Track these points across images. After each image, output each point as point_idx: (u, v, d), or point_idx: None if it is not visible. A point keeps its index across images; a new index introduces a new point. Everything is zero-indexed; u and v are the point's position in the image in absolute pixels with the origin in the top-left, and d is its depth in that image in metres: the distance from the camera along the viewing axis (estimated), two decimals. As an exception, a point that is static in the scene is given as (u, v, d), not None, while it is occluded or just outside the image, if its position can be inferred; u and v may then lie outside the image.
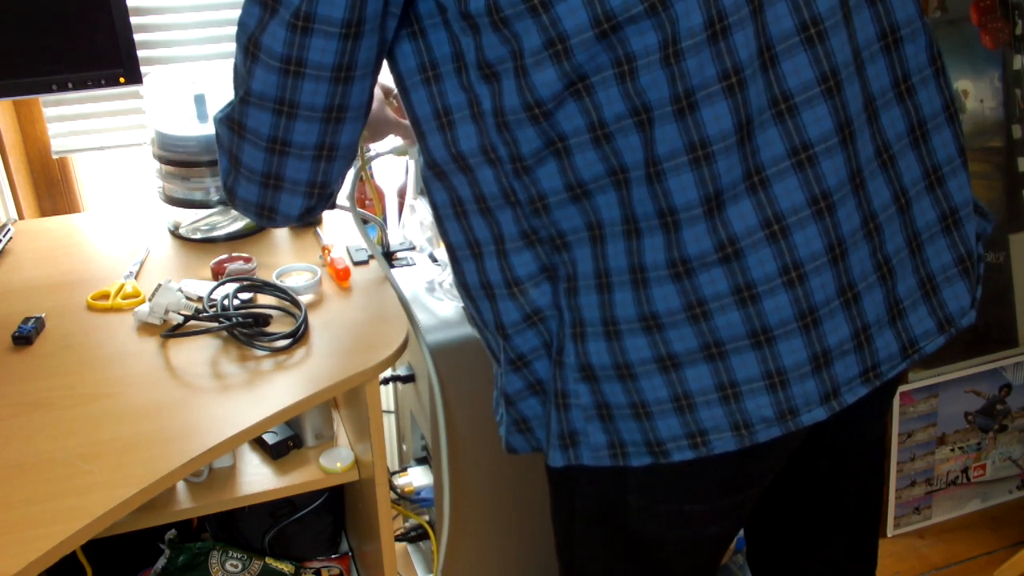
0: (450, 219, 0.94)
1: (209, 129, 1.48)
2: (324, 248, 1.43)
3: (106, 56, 1.40)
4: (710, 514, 1.02)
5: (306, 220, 1.00)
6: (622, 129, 0.82)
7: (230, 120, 0.93)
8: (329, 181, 0.95)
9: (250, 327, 1.23)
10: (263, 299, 1.31)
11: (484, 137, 0.86)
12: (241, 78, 0.90)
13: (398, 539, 1.61)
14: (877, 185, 0.90)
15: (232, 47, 1.62)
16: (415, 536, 1.64)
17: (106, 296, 1.33)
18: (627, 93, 0.81)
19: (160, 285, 1.28)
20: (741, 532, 1.31)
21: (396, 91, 1.32)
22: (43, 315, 1.28)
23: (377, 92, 1.27)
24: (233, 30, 1.61)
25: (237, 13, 1.66)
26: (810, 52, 0.84)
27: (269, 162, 0.92)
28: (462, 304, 1.40)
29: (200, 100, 1.49)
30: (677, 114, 0.81)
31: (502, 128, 0.84)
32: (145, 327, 1.27)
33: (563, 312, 0.91)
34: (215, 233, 1.52)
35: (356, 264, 1.43)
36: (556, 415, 0.94)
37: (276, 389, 1.14)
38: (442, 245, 1.45)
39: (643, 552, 1.05)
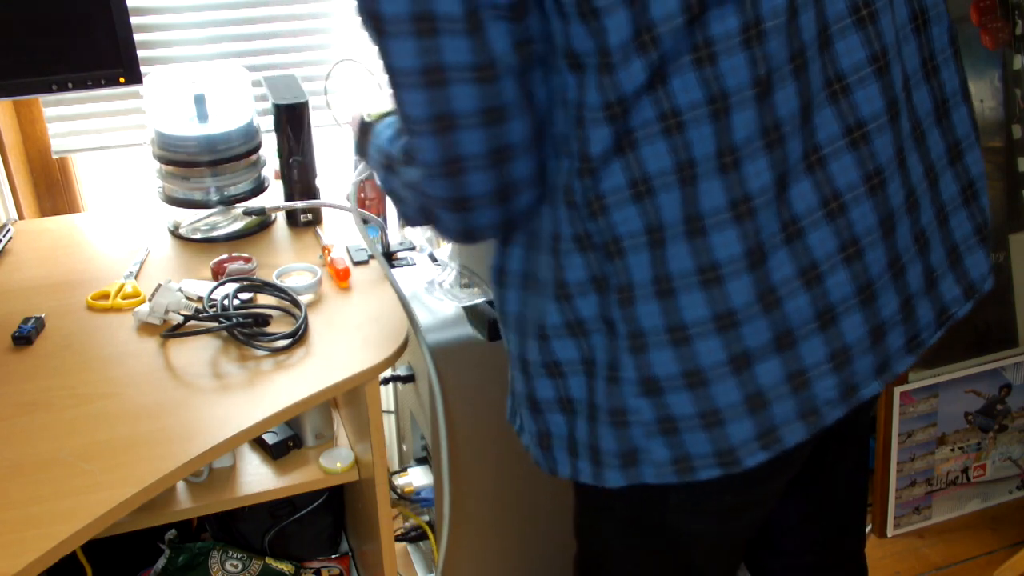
0: None
1: (209, 129, 1.48)
2: (324, 248, 1.43)
3: (106, 56, 1.40)
4: (747, 503, 1.02)
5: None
6: (696, 119, 0.80)
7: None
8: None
9: (250, 327, 1.23)
10: (263, 299, 1.31)
11: (565, 126, 0.84)
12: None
13: (398, 539, 1.61)
14: (913, 161, 0.92)
15: (231, 47, 1.62)
16: (415, 536, 1.64)
17: (106, 296, 1.33)
18: (705, 79, 0.79)
19: (160, 285, 1.28)
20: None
21: None
22: (43, 315, 1.28)
23: None
24: (232, 30, 1.61)
25: (237, 13, 1.67)
26: (861, 33, 0.85)
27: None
28: (462, 304, 1.41)
29: (200, 100, 1.49)
30: (756, 98, 0.80)
31: (579, 123, 0.82)
32: (145, 327, 1.27)
33: (616, 324, 0.88)
34: (215, 233, 1.52)
35: (356, 264, 1.43)
36: (613, 433, 0.91)
37: (276, 389, 1.14)
38: (442, 245, 1.46)
39: (677, 550, 1.04)
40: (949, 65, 0.96)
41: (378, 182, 1.04)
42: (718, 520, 1.02)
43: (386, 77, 0.83)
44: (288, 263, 1.41)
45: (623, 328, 0.88)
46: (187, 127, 1.49)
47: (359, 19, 0.81)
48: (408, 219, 1.00)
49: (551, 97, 0.84)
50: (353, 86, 1.64)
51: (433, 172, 0.85)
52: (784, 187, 0.84)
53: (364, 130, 1.13)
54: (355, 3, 0.81)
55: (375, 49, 0.82)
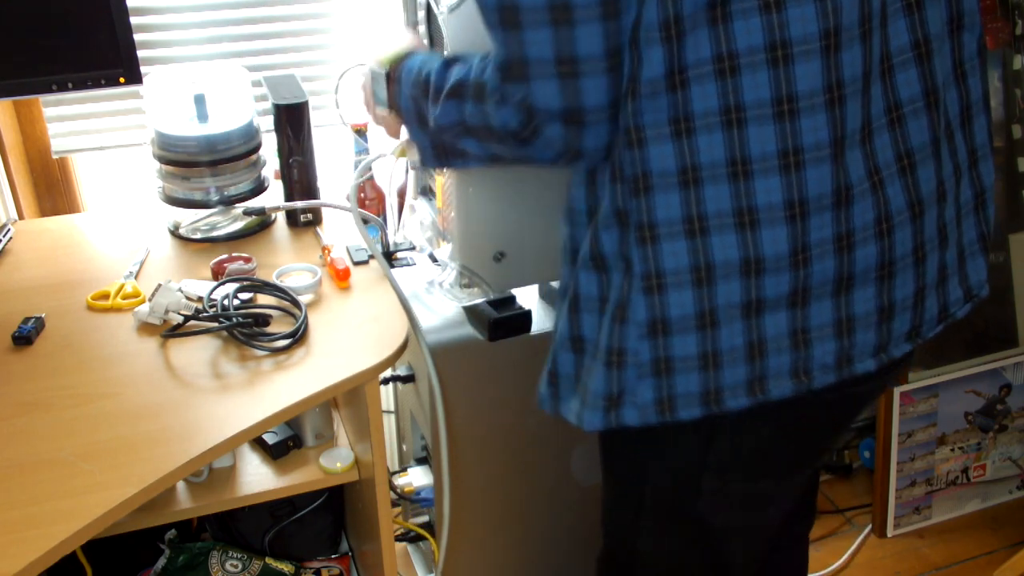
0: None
1: (209, 129, 1.48)
2: (324, 248, 1.43)
3: (106, 56, 1.40)
4: (776, 496, 1.04)
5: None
6: (753, 64, 0.80)
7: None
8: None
9: (250, 327, 1.23)
10: (263, 299, 1.31)
11: (611, 40, 0.83)
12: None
13: (398, 539, 1.61)
14: (946, 155, 0.93)
15: (231, 47, 1.62)
16: (415, 536, 1.64)
17: (106, 296, 1.33)
18: (770, 24, 0.79)
19: (160, 285, 1.28)
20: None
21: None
22: (43, 315, 1.28)
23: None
24: (232, 30, 1.61)
25: (237, 13, 1.67)
26: (908, 19, 0.87)
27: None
28: (462, 304, 1.41)
29: (200, 100, 1.49)
30: (824, 51, 0.81)
31: (633, 43, 0.82)
32: (145, 327, 1.27)
33: (632, 264, 0.88)
34: (215, 233, 1.52)
35: (356, 264, 1.43)
36: (605, 374, 0.92)
37: (276, 389, 1.14)
38: (442, 245, 1.46)
39: (708, 541, 1.06)
40: (975, 74, 0.97)
41: (432, 120, 1.00)
42: (747, 511, 1.04)
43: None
44: (288, 263, 1.41)
45: (640, 268, 0.88)
46: (187, 127, 1.49)
47: None
48: (459, 153, 0.97)
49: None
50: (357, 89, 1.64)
51: (545, 72, 0.83)
52: (842, 151, 0.84)
53: (389, 78, 1.10)
54: None
55: None
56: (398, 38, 1.21)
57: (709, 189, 0.84)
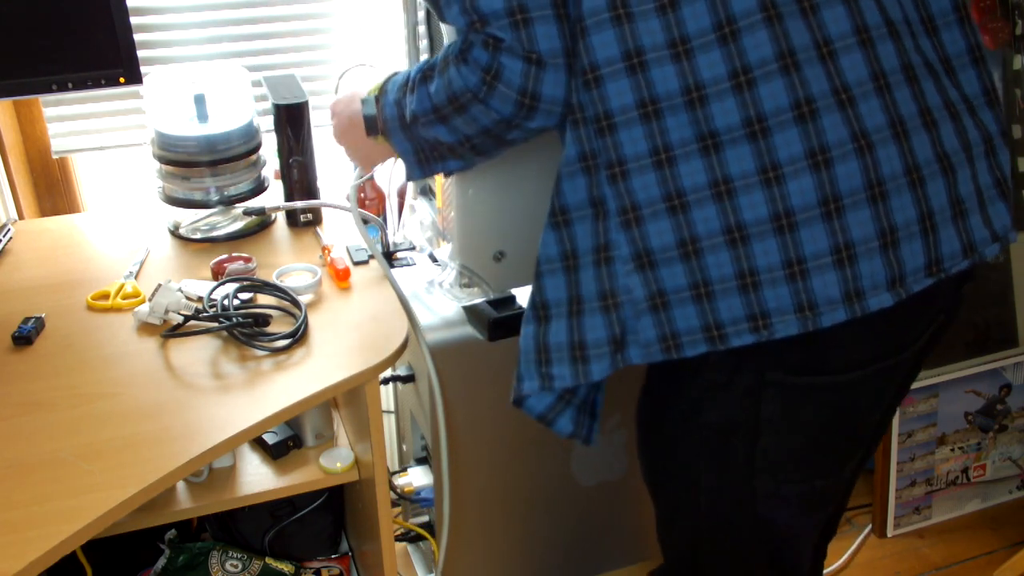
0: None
1: (209, 129, 1.48)
2: (324, 248, 1.43)
3: (106, 56, 1.40)
4: (829, 489, 1.05)
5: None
6: None
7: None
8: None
9: (250, 327, 1.23)
10: (263, 299, 1.31)
11: None
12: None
13: (398, 539, 1.61)
14: (929, 88, 0.92)
15: (231, 47, 1.62)
16: (415, 536, 1.65)
17: (106, 296, 1.33)
18: None
19: (160, 285, 1.28)
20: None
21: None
22: (43, 315, 1.28)
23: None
24: (232, 30, 1.62)
25: (237, 13, 1.67)
26: None
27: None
28: (462, 304, 1.41)
29: (200, 100, 1.49)
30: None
31: None
32: (145, 327, 1.27)
33: (606, 202, 0.90)
34: (215, 233, 1.52)
35: (356, 264, 1.43)
36: (603, 320, 0.93)
37: (276, 389, 1.14)
38: (442, 245, 1.46)
39: (771, 545, 1.07)
40: (952, 29, 0.96)
41: (408, 113, 1.03)
42: (801, 510, 1.03)
43: None
44: (288, 263, 1.41)
45: (614, 204, 0.90)
46: (187, 127, 1.49)
47: None
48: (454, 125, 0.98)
49: None
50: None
51: (502, 24, 0.88)
52: (795, 65, 0.85)
53: (377, 101, 1.12)
54: None
55: None
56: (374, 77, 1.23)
57: (669, 119, 0.86)
